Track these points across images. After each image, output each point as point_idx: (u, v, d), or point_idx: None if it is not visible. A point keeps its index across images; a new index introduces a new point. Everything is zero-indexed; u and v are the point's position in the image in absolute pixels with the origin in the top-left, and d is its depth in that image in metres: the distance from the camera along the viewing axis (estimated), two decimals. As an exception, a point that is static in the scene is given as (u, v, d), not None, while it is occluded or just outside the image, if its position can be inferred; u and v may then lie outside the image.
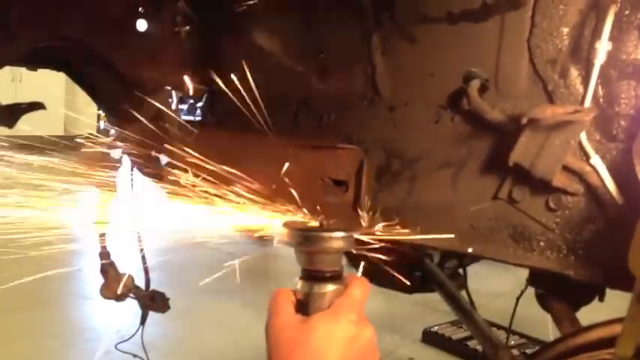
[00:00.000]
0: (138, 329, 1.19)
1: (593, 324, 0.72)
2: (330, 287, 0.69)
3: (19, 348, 2.46)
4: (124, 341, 1.23)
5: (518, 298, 1.31)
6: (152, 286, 1.23)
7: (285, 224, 0.72)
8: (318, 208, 0.81)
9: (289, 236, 0.71)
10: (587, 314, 0.95)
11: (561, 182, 0.77)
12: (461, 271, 1.33)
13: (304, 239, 0.70)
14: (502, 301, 3.04)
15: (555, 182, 0.77)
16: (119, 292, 1.16)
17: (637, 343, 0.53)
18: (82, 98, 1.32)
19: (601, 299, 0.92)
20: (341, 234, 0.70)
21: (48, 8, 1.00)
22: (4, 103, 1.05)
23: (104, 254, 1.17)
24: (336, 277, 0.70)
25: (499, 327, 2.35)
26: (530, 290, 1.04)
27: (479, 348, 2.50)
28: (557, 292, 0.89)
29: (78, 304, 3.02)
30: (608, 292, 0.93)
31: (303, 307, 0.69)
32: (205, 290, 3.10)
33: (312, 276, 0.70)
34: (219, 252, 3.73)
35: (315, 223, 0.72)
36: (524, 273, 1.09)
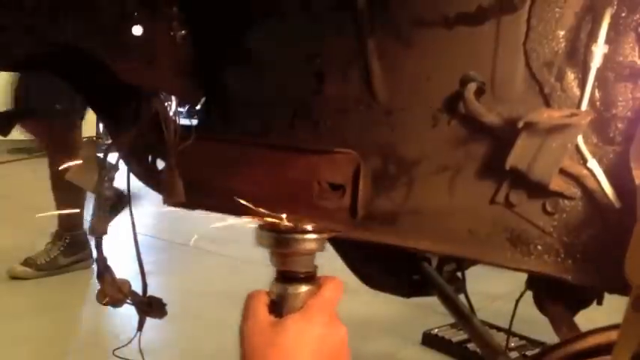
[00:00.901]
0: (135, 335, 1.19)
1: (590, 330, 0.72)
2: (303, 288, 0.72)
3: (18, 354, 2.45)
4: (122, 347, 1.23)
5: (517, 301, 1.31)
6: (149, 289, 1.23)
7: (260, 226, 0.75)
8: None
9: (263, 238, 0.74)
10: (586, 313, 0.95)
11: (558, 186, 0.77)
12: (459, 274, 1.33)
13: (278, 241, 0.72)
14: (501, 303, 3.03)
15: (552, 186, 0.76)
16: (116, 297, 1.16)
17: (633, 351, 0.53)
18: (80, 102, 1.32)
19: (599, 302, 0.92)
20: (314, 236, 0.73)
21: (43, 15, 1.00)
22: (1, 107, 1.05)
23: (101, 260, 1.16)
24: (309, 278, 0.73)
25: (499, 329, 2.35)
26: (530, 292, 1.04)
27: (479, 350, 2.49)
28: (555, 295, 0.89)
29: (77, 308, 3.01)
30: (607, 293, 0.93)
31: (278, 308, 0.71)
32: (204, 294, 3.10)
33: (286, 277, 0.73)
34: (218, 255, 3.73)
35: (289, 225, 0.74)
36: (523, 275, 1.09)
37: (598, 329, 0.72)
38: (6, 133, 1.06)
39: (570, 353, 0.71)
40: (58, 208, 3.26)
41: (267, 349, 0.67)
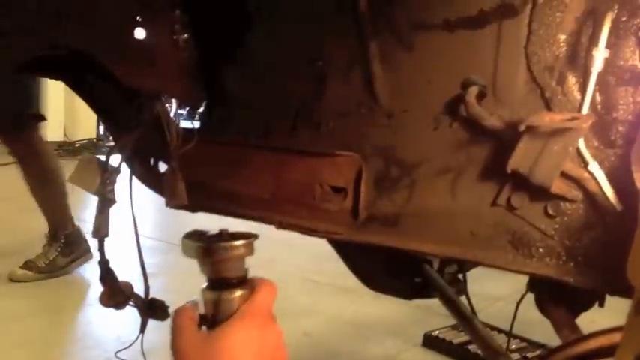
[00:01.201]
0: (138, 337, 1.19)
1: (592, 332, 0.73)
2: (237, 293, 0.72)
3: (18, 356, 2.45)
4: (124, 349, 1.23)
5: (518, 303, 1.31)
6: (152, 292, 1.23)
7: (186, 236, 0.75)
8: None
9: (189, 248, 0.73)
10: (587, 315, 0.95)
11: (559, 189, 0.77)
12: (460, 276, 1.33)
13: (205, 250, 0.72)
14: (502, 304, 3.03)
15: (554, 189, 0.77)
16: (118, 300, 1.16)
17: (635, 354, 0.53)
18: (82, 104, 1.33)
19: (601, 304, 0.92)
20: (242, 241, 0.73)
21: (45, 18, 1.00)
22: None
23: (103, 262, 1.17)
24: (242, 282, 0.73)
25: (499, 330, 2.35)
26: (530, 294, 1.04)
27: (480, 352, 2.49)
28: (557, 298, 0.90)
29: (78, 310, 3.01)
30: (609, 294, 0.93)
31: (209, 320, 0.71)
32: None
33: (219, 284, 0.72)
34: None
35: (214, 232, 0.75)
36: (524, 277, 1.09)
37: (600, 331, 0.72)
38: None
39: (572, 355, 0.71)
40: (44, 211, 3.27)
41: None
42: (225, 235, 0.75)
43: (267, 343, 0.69)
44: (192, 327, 0.70)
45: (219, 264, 0.73)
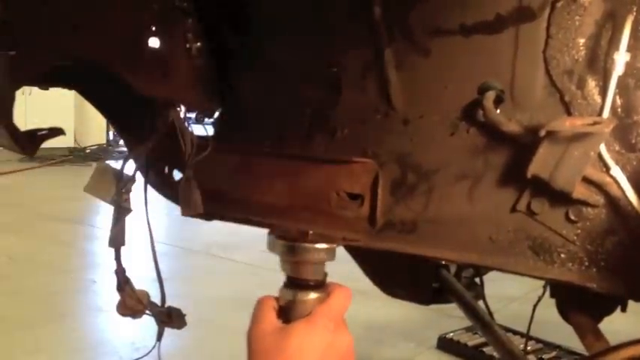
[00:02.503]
0: (154, 346, 1.19)
1: (623, 343, 0.72)
2: (312, 295, 0.74)
3: (35, 363, 2.47)
4: (143, 357, 1.23)
5: (535, 305, 1.30)
6: (167, 296, 1.23)
7: (271, 232, 0.77)
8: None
9: (274, 245, 0.76)
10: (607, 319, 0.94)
11: (581, 194, 0.76)
12: (477, 280, 1.32)
13: (288, 249, 0.74)
14: (516, 306, 3.02)
15: (575, 194, 0.76)
16: (136, 309, 1.16)
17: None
18: (92, 110, 1.33)
19: (623, 310, 0.91)
20: (324, 245, 0.75)
21: (60, 28, 1.00)
22: (15, 117, 1.06)
23: (120, 271, 1.17)
24: (318, 286, 0.74)
25: (515, 332, 2.34)
26: (545, 294, 1.03)
27: (495, 354, 2.48)
28: (579, 304, 0.89)
29: (93, 316, 3.03)
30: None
31: (286, 314, 0.73)
32: (222, 300, 3.10)
33: (296, 284, 0.74)
34: (235, 263, 3.73)
35: (301, 233, 0.77)
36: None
37: (632, 342, 0.71)
38: (33, 152, 1.07)
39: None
40: None
41: (273, 354, 0.68)
42: (310, 237, 0.76)
43: (335, 347, 0.70)
44: (271, 317, 0.72)
45: (300, 264, 0.74)
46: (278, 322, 0.71)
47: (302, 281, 0.74)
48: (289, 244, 0.75)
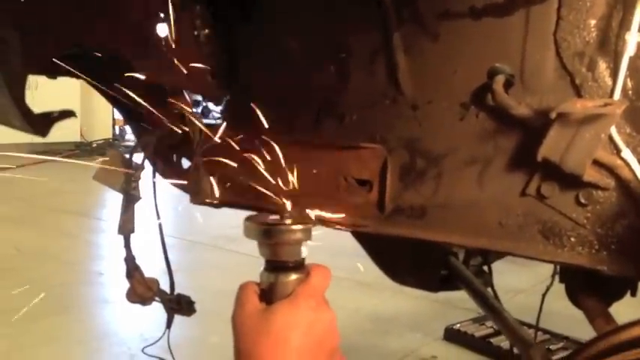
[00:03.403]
0: (164, 333, 1.20)
1: (633, 321, 0.71)
2: (293, 276, 0.74)
3: (44, 354, 2.48)
4: (151, 345, 1.24)
5: (544, 295, 1.30)
6: (177, 289, 1.24)
7: (248, 219, 0.77)
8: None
9: (250, 230, 0.76)
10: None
11: (592, 177, 0.76)
12: (485, 268, 1.32)
13: (265, 233, 0.75)
14: (523, 297, 3.02)
15: (586, 177, 0.76)
16: (145, 296, 1.17)
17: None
18: (98, 104, 1.33)
19: (633, 294, 0.91)
20: (300, 226, 0.75)
21: (72, 17, 1.01)
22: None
23: (130, 258, 1.17)
24: (298, 267, 0.75)
25: (522, 323, 2.33)
26: (553, 286, 1.02)
27: (502, 345, 2.48)
28: (589, 288, 0.88)
29: (100, 308, 3.04)
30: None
31: (268, 296, 0.74)
32: (228, 292, 3.11)
33: (276, 267, 0.75)
34: (241, 255, 3.74)
35: (275, 217, 0.77)
36: (544, 269, 1.07)
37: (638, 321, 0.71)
38: (45, 133, 1.08)
39: (614, 344, 0.70)
40: None
41: (258, 335, 0.69)
42: (285, 220, 0.77)
43: (317, 325, 0.71)
44: (253, 300, 0.73)
45: (277, 247, 0.75)
46: (261, 305, 0.73)
47: (281, 263, 0.75)
48: (265, 227, 0.75)
